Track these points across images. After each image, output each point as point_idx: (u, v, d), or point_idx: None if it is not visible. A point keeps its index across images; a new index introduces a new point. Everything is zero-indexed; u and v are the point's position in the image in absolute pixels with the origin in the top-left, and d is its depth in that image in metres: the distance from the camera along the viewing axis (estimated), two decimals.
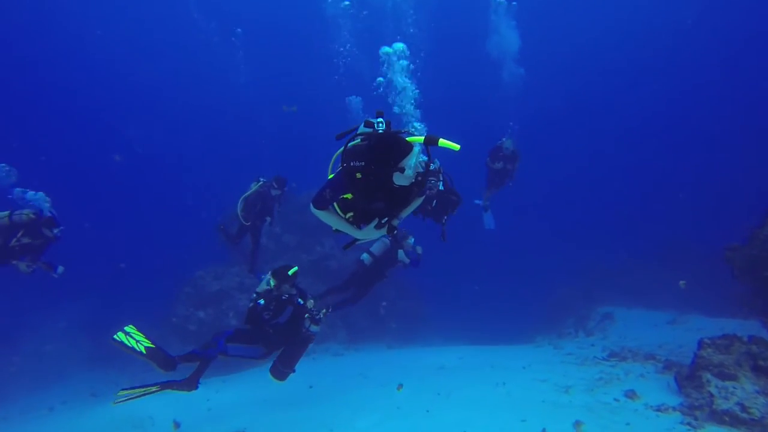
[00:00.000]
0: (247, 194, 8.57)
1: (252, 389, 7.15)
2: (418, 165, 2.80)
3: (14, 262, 6.22)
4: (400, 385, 6.19)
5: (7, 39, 23.91)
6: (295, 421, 5.44)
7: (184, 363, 5.15)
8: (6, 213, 6.20)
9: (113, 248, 19.44)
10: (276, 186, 8.65)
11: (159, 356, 4.92)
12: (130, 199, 26.42)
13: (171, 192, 26.83)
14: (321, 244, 13.17)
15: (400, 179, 2.81)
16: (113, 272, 16.20)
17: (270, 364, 5.48)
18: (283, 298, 5.30)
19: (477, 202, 9.84)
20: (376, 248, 7.85)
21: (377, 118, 3.14)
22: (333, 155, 3.49)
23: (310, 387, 6.90)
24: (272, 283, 5.25)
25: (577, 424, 4.58)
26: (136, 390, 4.80)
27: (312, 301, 5.53)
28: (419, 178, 2.86)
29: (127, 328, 4.91)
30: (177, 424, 5.62)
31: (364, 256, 7.82)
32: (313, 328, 5.37)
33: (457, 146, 2.73)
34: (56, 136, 25.51)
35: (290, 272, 5.28)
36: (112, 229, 21.87)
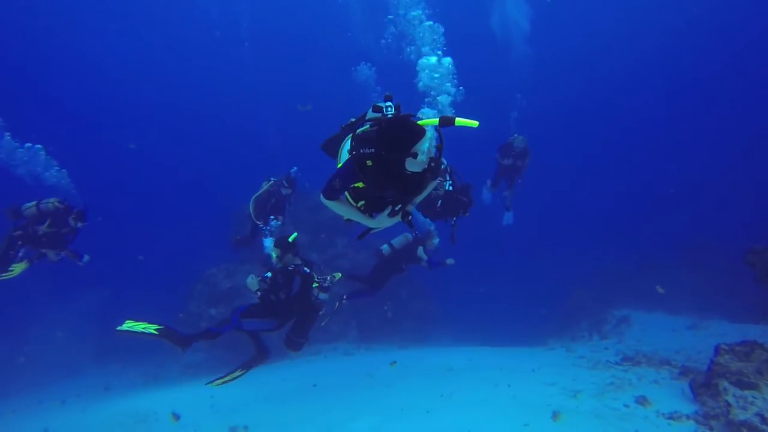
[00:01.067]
0: (258, 194, 8.60)
1: (257, 386, 7.14)
2: (431, 149, 2.65)
3: (44, 250, 6.40)
4: (394, 362, 6.16)
5: (14, 36, 24.43)
6: (296, 420, 5.40)
7: (201, 341, 5.47)
8: (33, 203, 6.38)
9: (127, 243, 19.78)
10: (287, 185, 8.66)
11: (172, 334, 5.16)
12: (145, 194, 26.86)
13: (185, 188, 27.21)
14: (333, 243, 13.15)
15: (412, 165, 2.67)
16: (128, 266, 16.48)
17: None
18: (290, 268, 5.35)
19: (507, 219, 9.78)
20: (396, 241, 7.97)
21: (386, 101, 3.06)
22: (341, 145, 3.40)
23: (314, 386, 6.85)
24: (276, 254, 5.36)
25: (555, 415, 4.44)
26: (225, 378, 5.34)
27: (340, 274, 5.74)
28: (432, 164, 2.72)
29: (126, 324, 5.05)
30: (176, 416, 5.65)
31: (384, 246, 7.95)
32: (322, 295, 5.45)
33: (475, 123, 2.59)
34: (68, 130, 25.97)
35: (290, 239, 5.38)
36: (126, 223, 22.26)
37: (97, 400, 7.45)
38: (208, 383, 5.43)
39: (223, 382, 5.33)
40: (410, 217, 3.26)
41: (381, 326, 12.56)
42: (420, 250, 7.95)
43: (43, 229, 6.24)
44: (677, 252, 14.20)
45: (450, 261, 8.17)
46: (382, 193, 2.99)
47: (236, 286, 11.91)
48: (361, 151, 2.78)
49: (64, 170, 7.02)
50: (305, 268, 5.37)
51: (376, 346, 11.58)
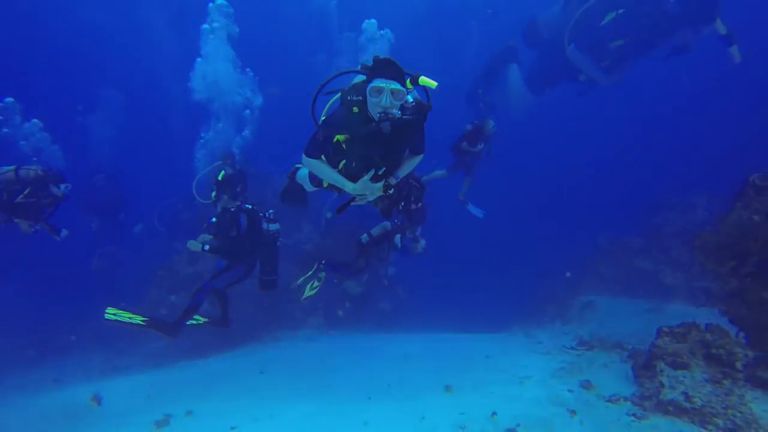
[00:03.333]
0: (198, 178, 8.14)
1: (202, 375, 6.95)
2: (399, 96, 2.67)
3: (16, 220, 5.98)
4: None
5: None
6: (230, 410, 5.19)
7: (186, 321, 5.44)
8: (12, 167, 5.95)
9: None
10: (227, 164, 8.11)
11: (159, 324, 5.13)
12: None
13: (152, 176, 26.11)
14: (299, 228, 12.92)
15: (374, 108, 2.78)
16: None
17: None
18: (232, 209, 5.46)
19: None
20: (375, 229, 7.94)
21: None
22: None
23: (261, 373, 6.67)
24: (213, 195, 5.58)
25: (492, 415, 4.40)
26: (200, 319, 5.60)
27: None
28: (405, 116, 2.74)
29: (109, 311, 4.98)
30: (97, 400, 5.42)
31: (363, 236, 7.98)
32: (272, 226, 5.61)
33: (434, 83, 2.68)
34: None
35: (219, 177, 5.68)
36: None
37: (40, 393, 7.14)
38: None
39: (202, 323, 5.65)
40: (391, 190, 3.23)
41: (348, 313, 12.39)
42: (397, 238, 7.87)
43: (20, 198, 5.80)
44: (644, 235, 14.20)
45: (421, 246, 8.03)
46: (366, 150, 2.97)
47: (198, 271, 11.60)
48: (349, 98, 2.81)
49: None
50: (247, 205, 5.51)
51: (341, 333, 11.41)
